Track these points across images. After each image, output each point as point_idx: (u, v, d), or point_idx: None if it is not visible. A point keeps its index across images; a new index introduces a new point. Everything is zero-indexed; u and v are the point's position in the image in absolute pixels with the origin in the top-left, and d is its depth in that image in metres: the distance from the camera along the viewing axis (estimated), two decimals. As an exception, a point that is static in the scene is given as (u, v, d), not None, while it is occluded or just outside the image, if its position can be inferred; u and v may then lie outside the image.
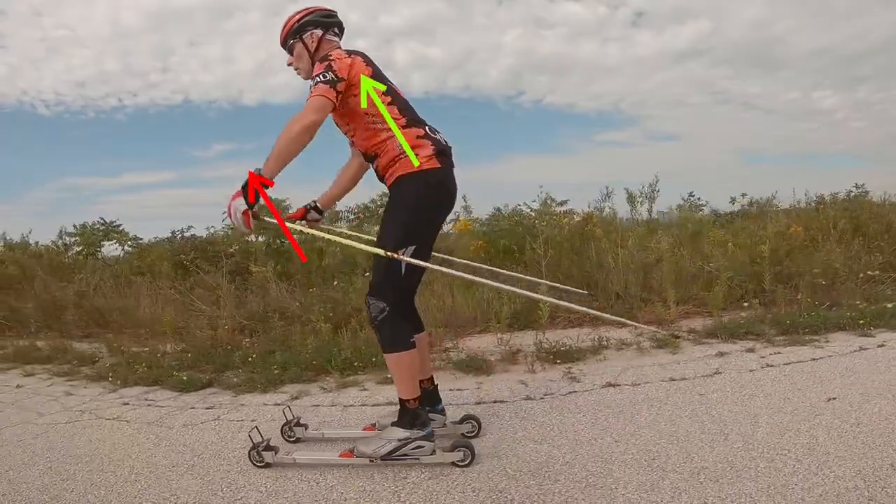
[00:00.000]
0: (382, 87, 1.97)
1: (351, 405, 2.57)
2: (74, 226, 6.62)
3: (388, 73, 2.05)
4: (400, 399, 1.99)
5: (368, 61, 2.03)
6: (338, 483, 1.83)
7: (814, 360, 2.64)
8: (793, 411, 2.07)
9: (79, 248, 6.40)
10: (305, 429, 2.29)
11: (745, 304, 3.34)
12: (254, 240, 5.12)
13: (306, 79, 2.08)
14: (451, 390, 2.58)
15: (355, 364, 3.03)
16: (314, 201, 2.32)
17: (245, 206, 1.79)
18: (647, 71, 16.23)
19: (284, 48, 2.13)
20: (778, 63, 16.19)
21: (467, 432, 2.17)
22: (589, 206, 4.38)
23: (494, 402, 2.40)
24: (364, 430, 2.26)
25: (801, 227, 3.80)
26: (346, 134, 2.13)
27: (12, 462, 2.18)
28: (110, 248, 6.43)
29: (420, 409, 1.98)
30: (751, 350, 2.84)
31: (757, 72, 16.35)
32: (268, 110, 14.42)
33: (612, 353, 3.01)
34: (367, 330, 3.48)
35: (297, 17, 2.09)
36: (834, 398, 2.14)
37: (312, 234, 2.20)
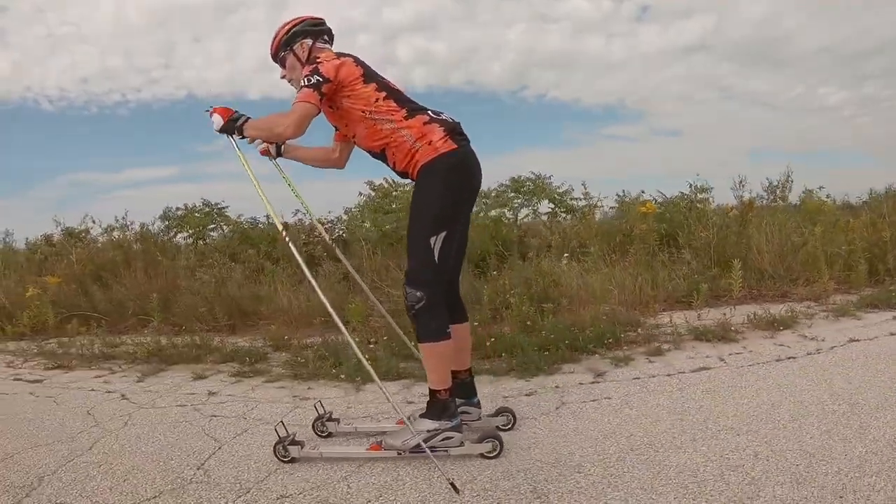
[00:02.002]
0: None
1: (652, 375, 2.87)
2: (173, 208, 6.45)
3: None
4: (430, 389, 2.08)
5: (359, 62, 2.12)
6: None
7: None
8: None
9: (187, 232, 6.09)
10: (337, 423, 2.40)
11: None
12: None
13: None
14: (730, 354, 3.13)
15: (608, 339, 3.36)
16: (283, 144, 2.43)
17: (221, 124, 2.12)
18: (651, 66, 16.73)
19: (276, 61, 2.23)
20: (784, 60, 16.81)
21: (502, 425, 2.28)
22: (752, 195, 5.19)
23: (788, 358, 3.00)
24: (397, 423, 2.32)
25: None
26: (346, 134, 2.22)
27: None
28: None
29: (450, 401, 2.07)
30: (919, 313, 3.74)
31: (762, 68, 16.88)
32: (272, 104, 14.62)
33: (808, 321, 3.72)
34: (582, 305, 3.89)
35: (286, 28, 2.17)
36: None
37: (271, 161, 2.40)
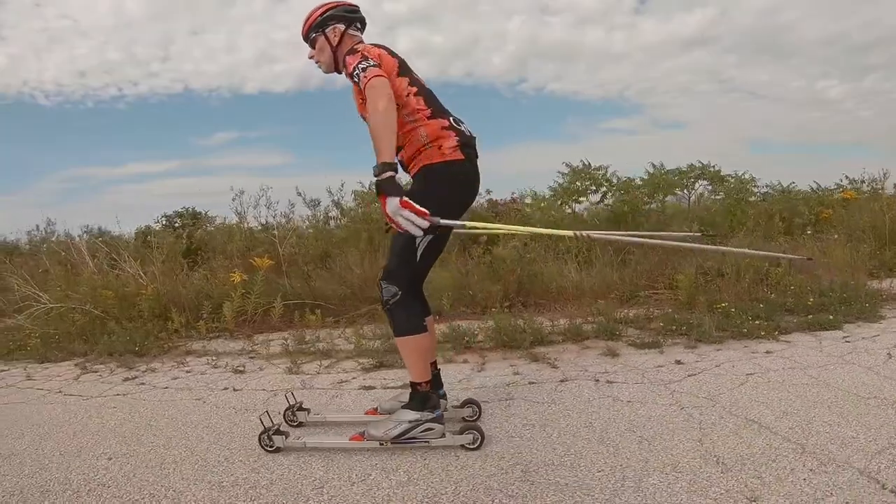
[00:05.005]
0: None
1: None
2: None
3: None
4: (411, 382, 2.24)
5: (393, 53, 2.26)
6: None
7: None
8: None
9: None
10: (308, 413, 2.55)
11: None
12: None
13: (327, 72, 2.35)
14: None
15: (882, 295, 4.34)
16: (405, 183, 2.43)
17: (398, 199, 1.88)
18: (653, 58, 18.30)
19: (306, 41, 2.35)
20: (786, 52, 18.48)
21: (468, 416, 2.46)
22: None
23: None
24: (366, 413, 2.53)
25: None
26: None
27: None
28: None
29: (431, 392, 2.22)
30: None
31: (764, 60, 18.64)
32: (269, 98, 15.04)
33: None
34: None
35: (321, 10, 2.29)
36: None
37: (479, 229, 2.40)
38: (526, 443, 2.29)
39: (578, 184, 6.12)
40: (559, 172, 6.38)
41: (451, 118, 2.23)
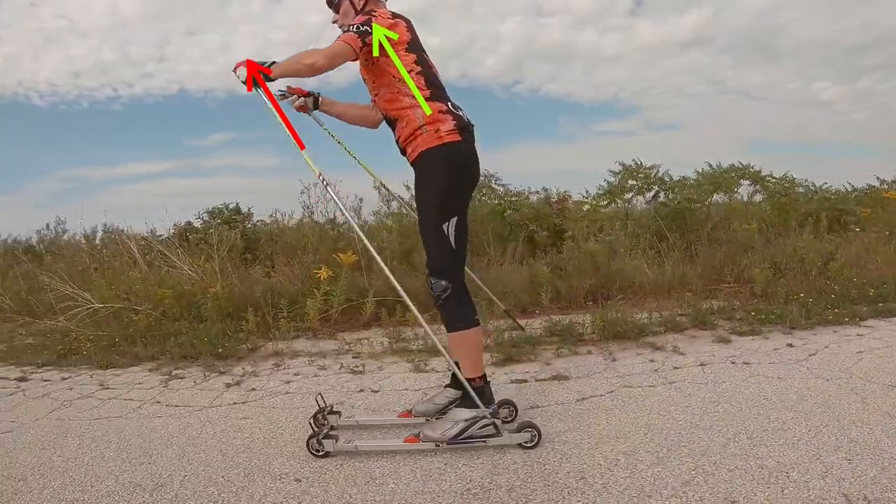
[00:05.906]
0: (395, 36, 2.20)
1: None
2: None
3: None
4: (465, 378, 2.23)
5: (410, 27, 2.29)
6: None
7: None
8: None
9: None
10: (339, 416, 2.55)
11: None
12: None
13: None
14: None
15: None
16: (319, 93, 2.61)
17: (245, 74, 2.21)
18: (648, 60, 18.17)
19: (330, 6, 2.43)
20: (781, 53, 18.20)
21: (504, 417, 2.45)
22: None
23: None
24: (399, 416, 2.53)
25: None
26: (369, 91, 2.39)
27: None
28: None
29: (485, 387, 2.23)
30: None
31: (760, 61, 18.36)
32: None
33: None
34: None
35: None
36: None
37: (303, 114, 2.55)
38: (726, 416, 2.65)
39: (632, 181, 6.63)
40: (610, 171, 6.90)
41: (449, 103, 2.29)
